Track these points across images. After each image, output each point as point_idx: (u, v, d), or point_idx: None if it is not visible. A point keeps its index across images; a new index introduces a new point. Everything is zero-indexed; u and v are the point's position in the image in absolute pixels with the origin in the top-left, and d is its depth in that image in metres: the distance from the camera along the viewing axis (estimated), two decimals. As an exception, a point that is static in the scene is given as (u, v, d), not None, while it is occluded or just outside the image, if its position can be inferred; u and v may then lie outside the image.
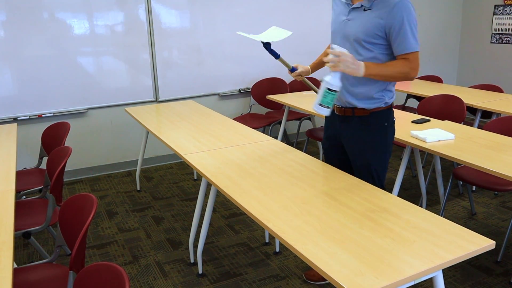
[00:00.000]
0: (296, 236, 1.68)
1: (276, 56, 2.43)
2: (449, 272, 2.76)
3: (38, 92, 4.14)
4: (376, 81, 2.24)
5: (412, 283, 1.47)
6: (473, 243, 1.58)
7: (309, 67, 2.61)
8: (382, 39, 2.17)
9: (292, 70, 2.54)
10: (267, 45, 2.40)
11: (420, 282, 2.64)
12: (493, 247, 1.59)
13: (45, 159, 3.17)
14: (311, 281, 2.67)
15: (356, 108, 2.31)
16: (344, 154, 2.48)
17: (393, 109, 2.41)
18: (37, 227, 2.48)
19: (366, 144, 2.35)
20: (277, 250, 3.05)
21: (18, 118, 4.10)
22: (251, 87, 4.99)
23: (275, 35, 2.43)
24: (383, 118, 2.32)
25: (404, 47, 2.13)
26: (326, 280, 2.50)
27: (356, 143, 2.38)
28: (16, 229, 2.34)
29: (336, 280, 1.41)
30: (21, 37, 3.98)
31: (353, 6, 2.24)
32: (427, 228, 1.69)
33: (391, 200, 1.94)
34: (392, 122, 2.37)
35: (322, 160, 2.51)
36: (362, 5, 2.20)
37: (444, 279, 1.77)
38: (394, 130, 2.41)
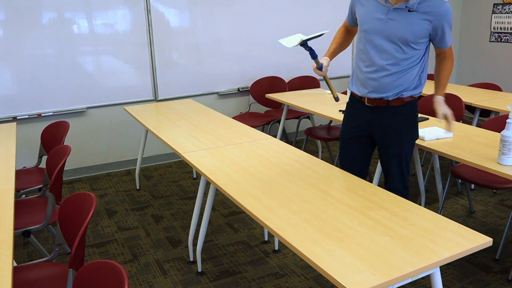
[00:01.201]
0: (294, 234, 1.69)
1: (315, 56, 2.47)
2: (447, 270, 2.77)
3: (37, 91, 4.14)
4: (409, 73, 2.38)
5: (410, 280, 1.48)
6: (470, 240, 1.59)
7: (328, 58, 2.62)
8: (427, 39, 2.33)
9: (320, 67, 2.53)
10: (307, 45, 2.47)
11: (418, 280, 2.65)
12: (490, 244, 1.60)
13: (44, 158, 3.18)
14: None
15: (390, 99, 2.42)
16: (366, 145, 2.56)
17: None
18: (37, 226, 2.48)
19: (401, 132, 2.46)
20: (276, 248, 3.06)
21: (18, 117, 4.11)
22: (250, 85, 4.99)
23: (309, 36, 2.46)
24: (414, 108, 2.47)
25: (445, 43, 2.37)
26: None
27: (391, 131, 2.47)
28: (15, 227, 2.35)
29: (334, 277, 1.42)
30: (20, 36, 3.98)
31: (396, 7, 2.26)
32: (425, 225, 1.70)
33: (389, 198, 1.95)
34: (416, 119, 2.53)
35: (321, 159, 2.52)
36: (406, 6, 2.24)
37: (442, 277, 1.78)
38: (418, 126, 2.56)
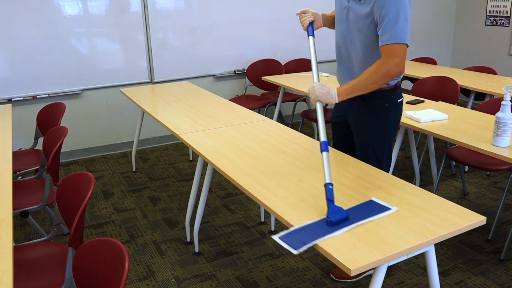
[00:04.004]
0: (292, 213, 1.71)
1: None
2: (440, 250, 2.81)
3: (32, 73, 4.11)
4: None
5: (405, 257, 1.51)
6: (464, 219, 1.62)
7: (320, 16, 2.41)
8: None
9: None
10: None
11: (413, 260, 2.70)
12: (484, 223, 1.63)
13: (40, 140, 3.18)
14: (341, 279, 2.57)
15: None
16: (348, 132, 2.49)
17: None
18: (35, 206, 2.49)
19: (366, 124, 2.35)
20: (273, 229, 3.09)
21: (13, 99, 4.09)
22: (246, 68, 4.98)
23: None
24: (384, 99, 2.29)
25: (382, 38, 2.06)
26: (354, 278, 2.54)
27: (357, 122, 2.39)
28: (13, 208, 2.36)
29: (331, 254, 1.45)
30: (14, 18, 3.94)
31: None
32: (420, 204, 1.73)
33: (385, 178, 1.97)
34: (395, 105, 2.32)
35: (318, 140, 2.54)
36: None
37: (436, 257, 1.81)
38: (398, 113, 2.37)
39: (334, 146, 2.58)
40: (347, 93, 2.09)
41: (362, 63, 2.23)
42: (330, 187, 1.74)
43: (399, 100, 2.34)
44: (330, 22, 2.46)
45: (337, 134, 2.59)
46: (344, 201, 1.78)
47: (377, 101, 2.30)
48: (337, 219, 1.63)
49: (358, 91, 2.10)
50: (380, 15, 2.05)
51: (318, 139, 2.91)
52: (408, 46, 2.05)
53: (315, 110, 4.43)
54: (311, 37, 2.28)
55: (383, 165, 2.38)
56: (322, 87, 2.07)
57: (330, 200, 1.71)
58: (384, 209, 1.71)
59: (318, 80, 2.14)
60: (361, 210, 1.73)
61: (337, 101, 2.09)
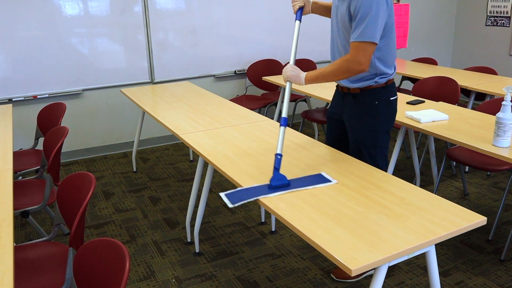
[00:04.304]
0: (292, 213, 1.71)
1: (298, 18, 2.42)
2: (441, 250, 2.81)
3: (32, 73, 4.11)
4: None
5: (406, 258, 1.51)
6: (465, 219, 1.62)
7: (311, 3, 2.50)
8: None
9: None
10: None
11: (413, 260, 2.70)
12: (485, 223, 1.63)
13: (41, 140, 3.18)
14: (341, 279, 2.57)
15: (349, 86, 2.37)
16: (342, 129, 2.52)
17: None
18: (35, 206, 2.49)
19: (358, 120, 2.39)
20: (273, 229, 3.09)
21: (13, 99, 4.09)
22: (246, 68, 4.98)
23: None
24: (374, 97, 2.32)
25: (353, 34, 2.12)
26: (355, 278, 2.54)
27: (351, 118, 2.43)
28: (14, 208, 2.35)
29: (332, 254, 1.45)
30: (14, 18, 3.94)
31: None
32: (421, 205, 1.73)
33: (386, 178, 1.97)
34: (386, 102, 2.35)
35: (319, 140, 2.54)
36: None
37: (437, 257, 1.81)
38: (390, 111, 2.38)
39: (327, 141, 2.61)
40: (312, 80, 2.24)
41: None
42: (279, 157, 1.99)
43: (391, 98, 2.36)
44: (320, 10, 2.55)
45: (331, 129, 2.63)
46: (344, 201, 1.78)
47: (367, 98, 2.34)
48: (277, 184, 1.89)
49: (322, 80, 2.25)
50: (353, 12, 2.12)
51: (318, 140, 2.91)
52: (375, 45, 2.12)
53: (315, 110, 4.43)
54: (297, 22, 2.39)
55: (377, 162, 2.38)
56: (294, 69, 2.26)
57: (276, 168, 1.96)
58: (325, 181, 1.94)
59: (294, 63, 2.30)
60: (304, 180, 1.96)
61: (303, 84, 2.26)
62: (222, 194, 1.89)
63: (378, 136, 2.38)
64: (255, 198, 1.81)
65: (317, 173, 2.02)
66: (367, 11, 2.06)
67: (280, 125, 2.11)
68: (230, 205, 1.73)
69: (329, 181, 1.92)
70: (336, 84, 2.52)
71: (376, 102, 2.33)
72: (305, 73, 2.24)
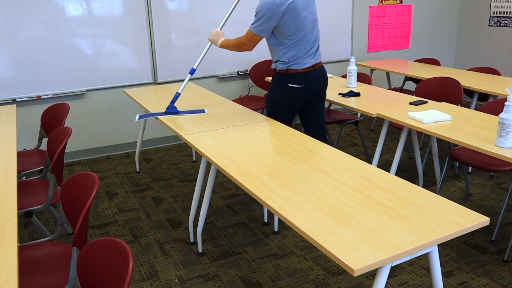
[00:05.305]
0: (295, 213, 1.71)
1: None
2: (444, 251, 2.81)
3: (36, 74, 4.13)
4: (272, 52, 3.03)
5: (409, 258, 1.51)
6: (468, 220, 1.62)
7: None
8: None
9: None
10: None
11: (416, 261, 2.70)
12: (487, 223, 1.63)
13: (44, 140, 3.19)
14: None
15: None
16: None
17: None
18: (39, 206, 2.51)
19: (268, 94, 3.12)
20: (276, 229, 3.09)
21: (17, 100, 4.11)
22: (249, 69, 4.99)
23: None
24: (275, 78, 3.02)
25: (251, 25, 2.86)
26: None
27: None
28: (18, 208, 2.37)
29: (334, 254, 1.45)
30: (18, 19, 3.96)
31: None
32: (423, 205, 1.73)
33: (388, 179, 1.98)
34: (285, 87, 2.95)
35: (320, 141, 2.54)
36: None
37: (439, 258, 1.82)
38: (287, 95, 2.97)
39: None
40: (221, 46, 3.06)
41: None
42: (177, 95, 3.12)
43: (290, 85, 2.94)
44: None
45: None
46: (346, 201, 1.78)
47: (276, 80, 3.02)
48: (169, 111, 3.06)
49: (226, 48, 3.04)
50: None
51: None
52: (260, 37, 2.87)
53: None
54: None
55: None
56: (216, 34, 3.10)
57: (172, 101, 3.07)
58: (201, 111, 3.12)
59: (221, 29, 3.12)
60: (188, 111, 3.12)
61: (218, 46, 3.08)
62: (137, 117, 2.98)
63: (279, 112, 3.04)
64: (154, 117, 2.98)
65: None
66: (260, 11, 2.76)
67: (189, 73, 3.17)
68: (136, 120, 2.66)
69: (203, 111, 3.09)
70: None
71: (275, 83, 3.03)
72: (222, 39, 3.06)
